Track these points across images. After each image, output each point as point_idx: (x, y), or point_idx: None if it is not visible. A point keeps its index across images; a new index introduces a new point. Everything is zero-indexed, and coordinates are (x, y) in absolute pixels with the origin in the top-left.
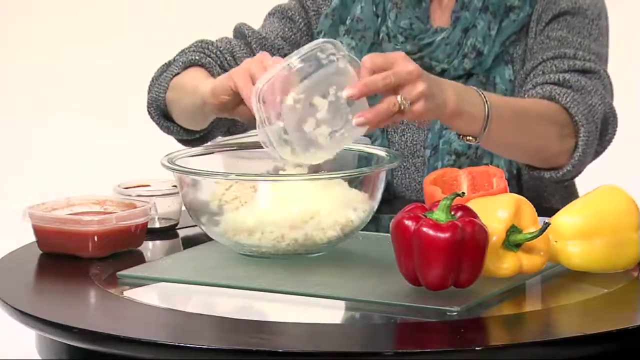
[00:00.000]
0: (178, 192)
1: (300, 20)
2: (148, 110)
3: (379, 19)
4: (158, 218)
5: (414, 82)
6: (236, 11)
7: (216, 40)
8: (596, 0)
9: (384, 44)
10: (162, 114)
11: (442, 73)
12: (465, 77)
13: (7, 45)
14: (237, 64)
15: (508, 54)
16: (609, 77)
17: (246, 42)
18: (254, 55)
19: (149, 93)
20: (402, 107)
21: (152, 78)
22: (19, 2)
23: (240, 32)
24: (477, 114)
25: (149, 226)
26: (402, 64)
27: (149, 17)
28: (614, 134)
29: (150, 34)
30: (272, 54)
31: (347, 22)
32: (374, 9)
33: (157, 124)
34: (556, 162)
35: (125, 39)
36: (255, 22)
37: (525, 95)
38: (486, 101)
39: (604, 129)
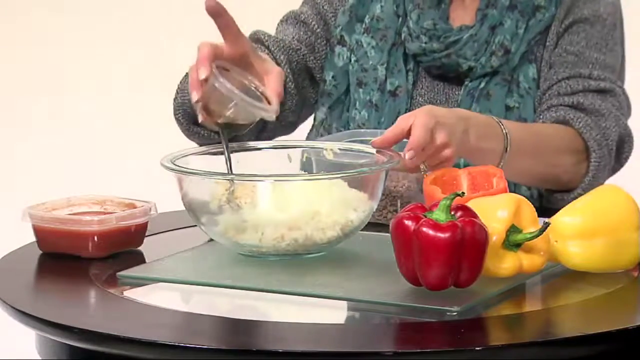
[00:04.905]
0: None
1: (314, 23)
2: (175, 117)
3: (400, 19)
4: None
5: (440, 151)
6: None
7: None
8: (614, 9)
9: (407, 43)
10: (190, 120)
11: (469, 70)
12: (491, 74)
13: (7, 45)
14: None
15: (532, 54)
16: (624, 93)
17: (264, 45)
18: (274, 57)
19: (174, 101)
20: (423, 172)
21: (177, 87)
22: (19, 2)
23: (256, 37)
24: (496, 148)
25: None
26: (433, 145)
27: (151, 17)
28: (631, 152)
29: (150, 34)
30: (291, 56)
31: (366, 20)
32: (395, 8)
33: (185, 130)
34: (568, 185)
35: (126, 39)
36: (254, 27)
37: (541, 118)
38: (506, 134)
39: (620, 148)
